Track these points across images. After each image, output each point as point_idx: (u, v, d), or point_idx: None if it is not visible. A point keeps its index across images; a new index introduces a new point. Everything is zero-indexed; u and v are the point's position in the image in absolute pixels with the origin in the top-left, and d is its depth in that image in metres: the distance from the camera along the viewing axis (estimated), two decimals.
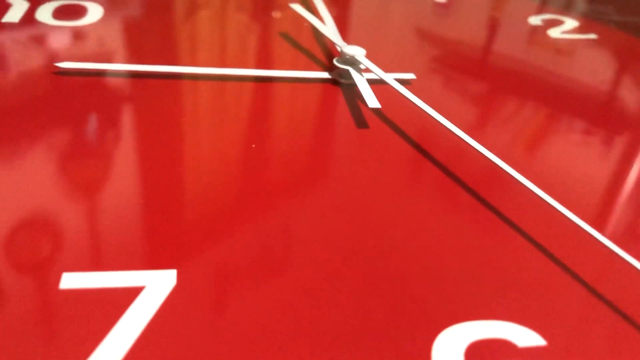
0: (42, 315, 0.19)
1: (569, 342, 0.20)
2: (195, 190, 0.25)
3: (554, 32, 0.47)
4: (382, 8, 0.48)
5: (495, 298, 0.22)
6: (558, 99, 0.36)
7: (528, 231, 0.25)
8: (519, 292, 0.22)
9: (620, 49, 0.45)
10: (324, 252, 0.23)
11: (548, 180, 0.29)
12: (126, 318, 0.19)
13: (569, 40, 0.46)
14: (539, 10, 0.51)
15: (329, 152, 0.29)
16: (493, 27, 0.47)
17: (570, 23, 0.49)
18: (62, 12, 0.41)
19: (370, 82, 0.34)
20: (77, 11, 0.41)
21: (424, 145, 0.30)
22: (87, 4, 0.43)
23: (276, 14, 0.44)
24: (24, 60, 0.34)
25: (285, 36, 0.41)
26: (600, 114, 0.35)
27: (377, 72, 0.33)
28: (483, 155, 0.28)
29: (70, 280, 0.20)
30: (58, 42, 0.37)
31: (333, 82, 0.35)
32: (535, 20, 0.49)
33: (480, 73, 0.39)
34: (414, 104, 0.31)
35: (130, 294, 0.20)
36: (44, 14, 0.40)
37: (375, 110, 0.33)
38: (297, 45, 0.40)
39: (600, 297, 0.22)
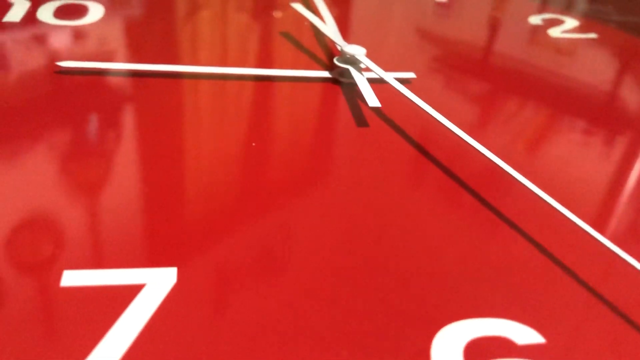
0: (44, 312, 0.19)
1: (567, 339, 0.20)
2: (196, 188, 0.25)
3: (554, 32, 0.47)
4: (382, 7, 0.48)
5: (494, 296, 0.22)
6: (558, 99, 0.36)
7: (527, 230, 0.25)
8: (518, 290, 0.22)
9: (620, 49, 0.45)
10: (322, 248, 0.23)
11: (546, 179, 0.29)
12: (127, 315, 0.19)
13: (569, 40, 0.46)
14: (540, 10, 0.51)
15: (328, 151, 0.29)
16: (493, 26, 0.47)
17: (571, 22, 0.49)
18: (63, 12, 0.41)
19: (371, 81, 0.34)
20: (78, 10, 0.42)
21: (424, 144, 0.30)
22: (88, 4, 0.43)
23: (277, 14, 0.44)
24: (25, 59, 0.34)
25: (286, 35, 0.41)
26: (600, 114, 0.35)
27: (377, 71, 0.33)
28: (483, 154, 0.28)
29: (71, 278, 0.20)
30: (59, 41, 0.37)
31: (333, 81, 0.35)
32: (535, 19, 0.49)
33: (481, 72, 0.39)
34: (414, 103, 0.31)
35: (130, 292, 0.20)
36: (45, 13, 0.41)
37: (375, 109, 0.33)
38: (297, 45, 0.40)
39: (599, 296, 0.22)
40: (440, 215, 0.25)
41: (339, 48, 0.36)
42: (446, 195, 0.27)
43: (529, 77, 0.39)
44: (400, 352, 0.19)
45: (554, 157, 0.30)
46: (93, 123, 0.29)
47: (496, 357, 0.19)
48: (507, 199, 0.27)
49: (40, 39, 0.37)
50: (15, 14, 0.40)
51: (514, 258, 0.24)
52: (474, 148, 0.28)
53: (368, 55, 0.35)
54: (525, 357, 0.19)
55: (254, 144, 0.29)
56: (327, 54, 0.39)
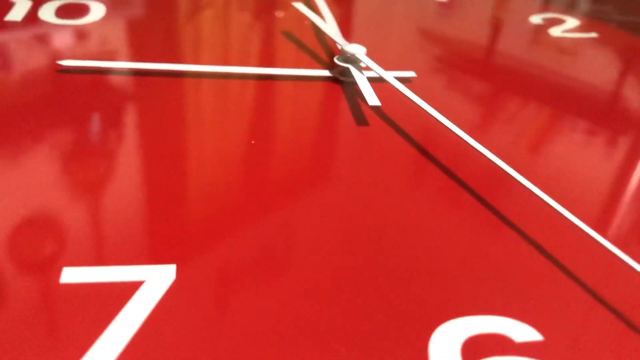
0: (43, 308, 0.19)
1: (565, 337, 0.20)
2: (196, 186, 0.25)
3: (555, 31, 0.47)
4: (383, 7, 0.48)
5: (492, 294, 0.22)
6: (559, 98, 0.36)
7: (527, 230, 0.25)
8: (516, 288, 0.22)
9: (621, 48, 0.45)
10: (322, 248, 0.23)
11: (546, 179, 0.29)
12: (126, 312, 0.19)
13: (570, 39, 0.46)
14: (541, 10, 0.51)
15: (328, 150, 0.29)
16: (494, 26, 0.47)
17: (572, 22, 0.49)
18: (64, 11, 0.41)
19: (371, 80, 0.35)
20: (80, 10, 0.42)
21: (424, 144, 0.30)
22: (90, 3, 0.43)
23: (279, 13, 0.44)
24: (27, 58, 0.34)
25: (287, 34, 0.41)
26: (601, 113, 0.35)
27: (377, 70, 0.33)
28: (483, 154, 0.28)
29: (71, 275, 0.21)
30: (61, 40, 0.37)
31: (334, 80, 0.36)
32: (536, 19, 0.49)
33: (481, 72, 0.39)
34: (414, 102, 0.31)
35: (130, 289, 0.20)
36: (46, 12, 0.41)
37: (375, 108, 0.33)
38: (298, 44, 0.40)
39: (597, 295, 0.22)
40: (440, 215, 0.25)
41: (339, 47, 0.36)
42: (446, 195, 0.27)
43: (530, 76, 0.39)
44: (398, 350, 0.19)
45: (554, 157, 0.30)
46: (94, 122, 0.29)
47: (493, 355, 0.19)
48: (507, 199, 0.27)
49: (41, 38, 0.37)
50: (16, 13, 0.40)
51: (514, 258, 0.24)
52: (474, 148, 0.28)
53: (368, 54, 0.35)
54: (522, 355, 0.19)
55: (253, 142, 0.29)
56: (327, 53, 0.39)
